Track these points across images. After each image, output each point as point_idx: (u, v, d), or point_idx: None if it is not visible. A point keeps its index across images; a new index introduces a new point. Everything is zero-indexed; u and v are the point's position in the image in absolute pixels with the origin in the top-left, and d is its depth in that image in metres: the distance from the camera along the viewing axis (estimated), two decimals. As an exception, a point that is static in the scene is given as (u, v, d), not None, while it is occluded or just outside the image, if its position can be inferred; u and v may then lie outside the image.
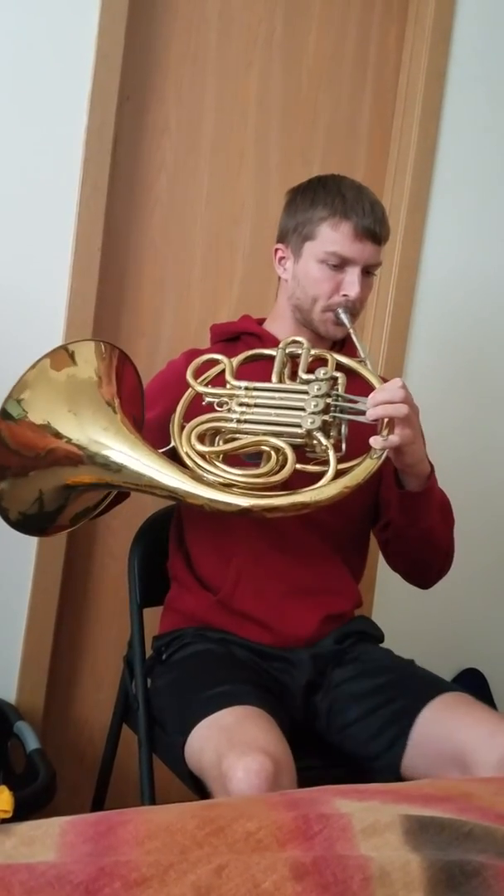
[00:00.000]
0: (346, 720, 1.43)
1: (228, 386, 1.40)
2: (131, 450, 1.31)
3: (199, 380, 1.42)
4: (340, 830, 0.75)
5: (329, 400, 1.35)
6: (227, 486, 1.31)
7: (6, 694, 1.81)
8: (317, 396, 1.34)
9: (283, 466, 1.31)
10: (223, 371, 1.42)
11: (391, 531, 1.52)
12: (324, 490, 1.29)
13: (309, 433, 1.33)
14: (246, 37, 2.00)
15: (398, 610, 2.03)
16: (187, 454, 1.34)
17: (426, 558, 1.53)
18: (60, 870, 0.66)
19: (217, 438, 1.37)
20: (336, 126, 2.10)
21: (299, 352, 1.43)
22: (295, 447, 1.33)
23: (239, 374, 1.42)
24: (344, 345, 1.57)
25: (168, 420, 1.44)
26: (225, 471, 1.31)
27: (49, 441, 1.30)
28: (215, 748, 1.25)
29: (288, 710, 1.43)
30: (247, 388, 1.38)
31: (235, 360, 1.44)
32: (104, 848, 0.72)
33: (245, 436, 1.35)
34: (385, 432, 1.32)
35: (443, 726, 1.34)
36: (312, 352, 1.43)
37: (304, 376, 1.39)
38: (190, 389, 1.42)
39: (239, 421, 1.36)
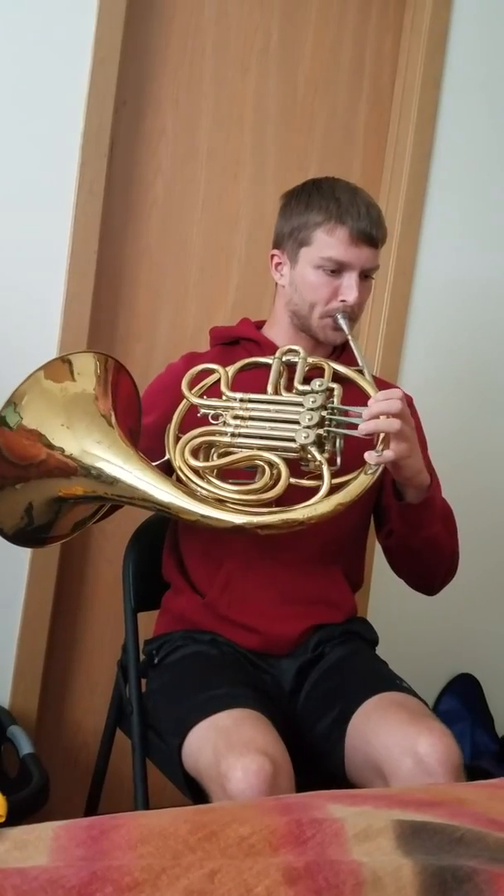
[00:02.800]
0: (307, 725, 1.43)
1: (224, 397, 1.39)
2: (125, 462, 1.31)
3: (195, 390, 1.41)
4: (333, 835, 0.75)
5: (324, 413, 1.34)
6: (220, 502, 1.30)
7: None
8: (311, 409, 1.33)
9: (276, 482, 1.31)
10: (220, 380, 1.41)
11: (394, 539, 1.51)
12: (317, 507, 1.29)
13: (303, 447, 1.32)
14: (242, 43, 2.00)
15: (393, 614, 2.04)
16: (180, 469, 1.34)
17: (430, 566, 1.53)
18: (53, 874, 0.66)
19: (211, 452, 1.36)
20: (332, 132, 2.11)
21: (296, 360, 1.42)
22: (289, 461, 1.33)
23: (236, 382, 1.41)
24: (344, 350, 1.56)
25: (166, 425, 1.43)
26: (218, 486, 1.31)
27: (42, 451, 1.30)
28: (213, 749, 1.25)
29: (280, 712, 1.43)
30: (242, 400, 1.37)
31: (232, 369, 1.43)
32: (97, 852, 0.72)
33: (239, 450, 1.34)
34: (380, 447, 1.31)
35: (363, 734, 1.33)
36: (309, 360, 1.42)
37: (300, 387, 1.38)
38: (185, 400, 1.41)
39: (233, 435, 1.35)
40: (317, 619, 1.51)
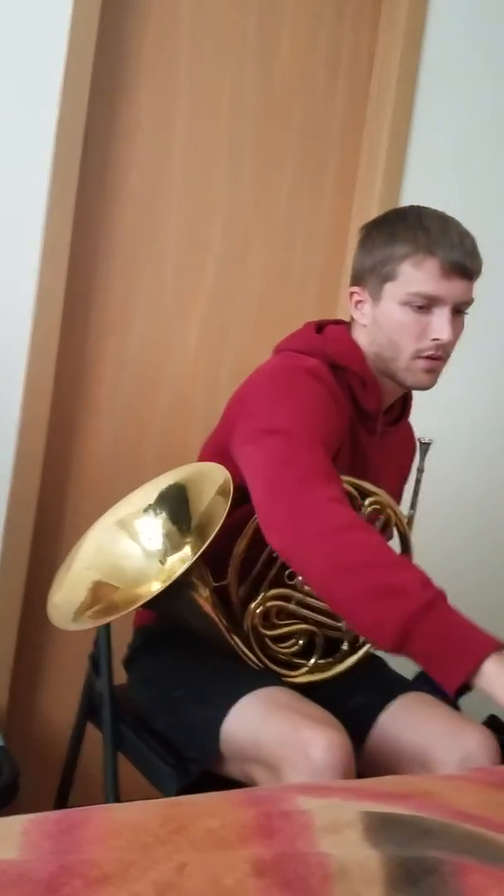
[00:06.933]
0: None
1: None
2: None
3: None
4: (301, 828, 0.75)
5: None
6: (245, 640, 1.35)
7: (-30, 691, 1.80)
8: None
9: (316, 658, 1.39)
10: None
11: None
12: (313, 677, 1.39)
13: (344, 637, 1.39)
14: (219, 36, 1.99)
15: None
16: (248, 621, 1.35)
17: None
18: (22, 868, 0.66)
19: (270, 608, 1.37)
20: (309, 127, 2.11)
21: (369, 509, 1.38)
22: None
23: None
24: (407, 400, 1.52)
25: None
26: (266, 646, 1.36)
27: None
28: (285, 717, 1.24)
29: None
30: None
31: None
32: (66, 846, 0.72)
33: (299, 612, 1.37)
34: None
35: (405, 724, 1.36)
36: (377, 505, 1.39)
37: None
38: None
39: (299, 603, 1.37)
40: None
